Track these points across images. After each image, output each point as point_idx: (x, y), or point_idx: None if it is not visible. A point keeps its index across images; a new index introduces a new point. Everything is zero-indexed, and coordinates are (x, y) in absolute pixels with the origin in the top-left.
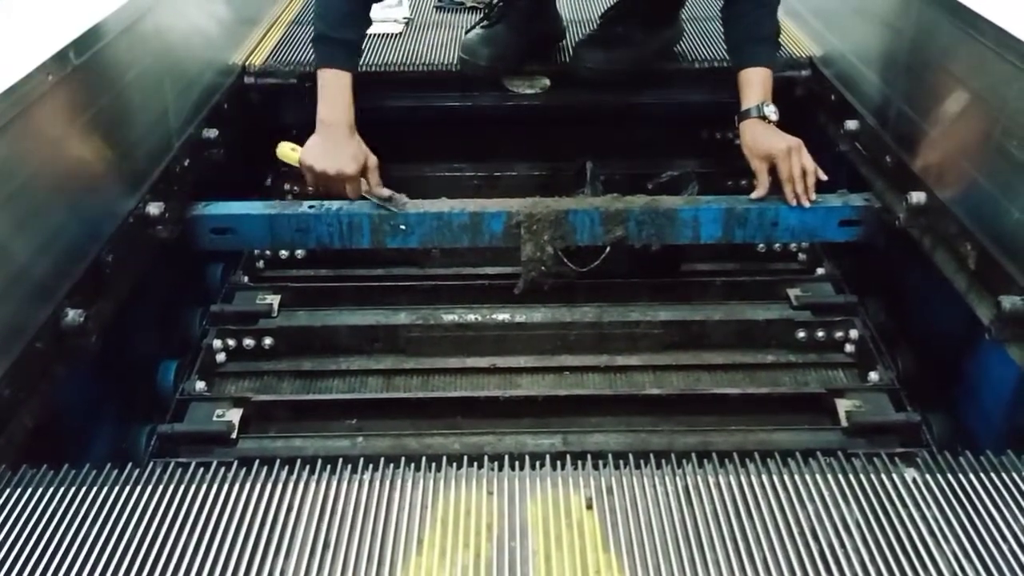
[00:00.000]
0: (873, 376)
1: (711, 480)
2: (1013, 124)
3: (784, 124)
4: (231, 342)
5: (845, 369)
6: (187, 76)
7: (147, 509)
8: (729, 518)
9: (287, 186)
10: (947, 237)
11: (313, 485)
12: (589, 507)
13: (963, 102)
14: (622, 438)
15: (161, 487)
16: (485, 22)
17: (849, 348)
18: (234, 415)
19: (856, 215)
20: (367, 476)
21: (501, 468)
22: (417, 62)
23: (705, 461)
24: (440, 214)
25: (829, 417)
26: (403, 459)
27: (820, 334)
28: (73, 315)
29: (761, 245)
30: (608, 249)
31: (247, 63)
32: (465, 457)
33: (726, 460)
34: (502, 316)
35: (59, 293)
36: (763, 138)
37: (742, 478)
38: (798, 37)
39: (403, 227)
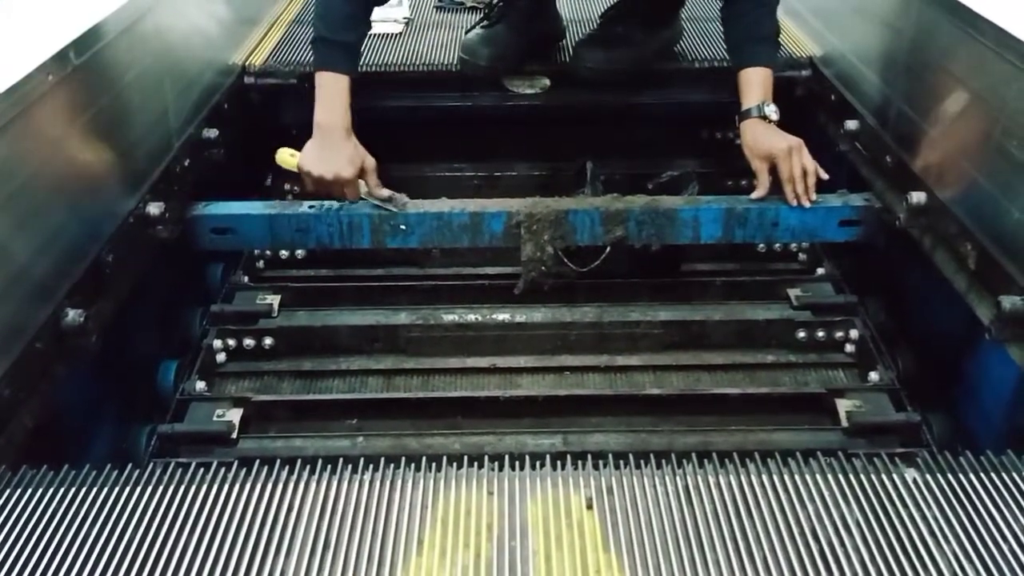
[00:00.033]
0: (873, 376)
1: (711, 480)
2: (1013, 124)
3: (784, 124)
4: (231, 342)
5: (845, 369)
6: (187, 76)
7: (147, 509)
8: (729, 518)
9: (287, 186)
10: (947, 237)
11: (313, 485)
12: (589, 507)
13: (963, 102)
14: (622, 438)
15: (161, 487)
16: (485, 22)
17: (849, 348)
18: (234, 415)
19: (856, 215)
20: (367, 476)
21: (501, 468)
22: (417, 62)
23: (705, 461)
24: (440, 214)
25: (829, 417)
26: (403, 459)
27: (820, 334)
28: (73, 315)
29: (761, 245)
30: (608, 249)
31: (247, 63)
32: (465, 457)
33: (726, 460)
34: (502, 316)
35: (59, 293)
36: (764, 138)
37: (742, 478)
38: (798, 37)
39: (403, 227)
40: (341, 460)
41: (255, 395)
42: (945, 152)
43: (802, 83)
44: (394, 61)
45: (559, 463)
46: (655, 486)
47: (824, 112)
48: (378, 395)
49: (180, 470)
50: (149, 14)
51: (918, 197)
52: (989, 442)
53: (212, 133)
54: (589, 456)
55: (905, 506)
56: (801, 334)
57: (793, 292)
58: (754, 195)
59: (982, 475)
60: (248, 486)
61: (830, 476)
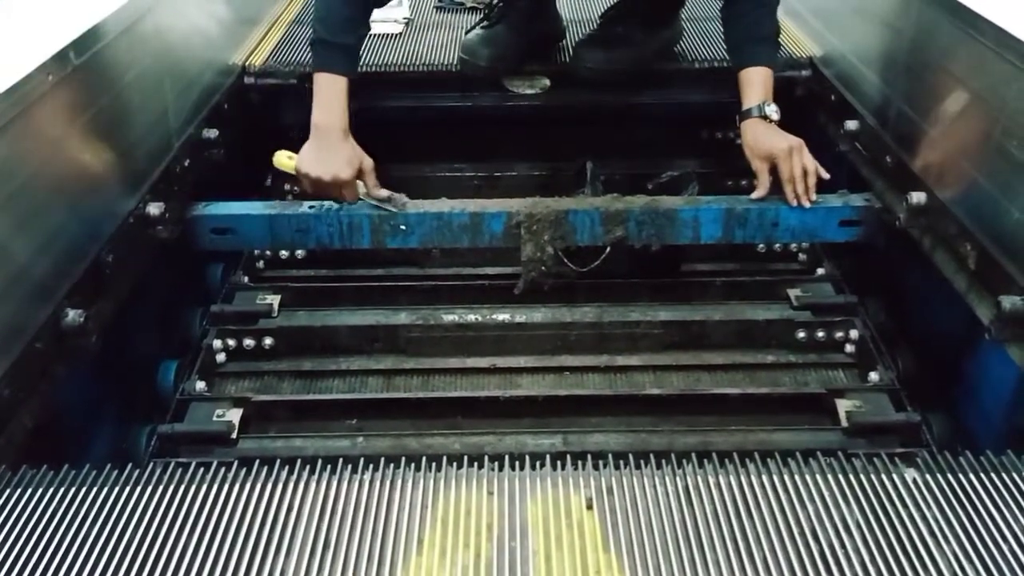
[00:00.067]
0: (873, 376)
1: (711, 480)
2: (1013, 124)
3: (784, 124)
4: (231, 342)
5: (845, 369)
6: (187, 76)
7: (147, 509)
8: (729, 518)
9: (287, 186)
10: (947, 237)
11: (313, 485)
12: (589, 507)
13: (963, 102)
14: (622, 438)
15: (161, 487)
16: (485, 22)
17: (849, 348)
18: (234, 415)
19: (856, 215)
20: (367, 476)
21: (501, 468)
22: (417, 62)
23: (705, 461)
24: (440, 214)
25: (829, 417)
26: (403, 459)
27: (820, 334)
28: (73, 315)
29: (761, 245)
30: (608, 249)
31: (247, 63)
32: (465, 457)
33: (726, 460)
34: (502, 316)
35: (59, 293)
36: (764, 138)
37: (742, 478)
38: (798, 37)
39: (403, 227)
40: (341, 460)
41: (255, 395)
42: (945, 152)
43: (802, 83)
44: (394, 61)
45: (559, 463)
46: (655, 486)
47: (824, 112)
48: (378, 395)
49: (180, 470)
50: (149, 14)
51: (918, 197)
52: (989, 442)
53: (212, 133)
54: (589, 456)
55: (905, 506)
56: (801, 334)
57: (793, 292)
58: (754, 195)
59: (982, 475)
60: (248, 486)
61: (830, 476)
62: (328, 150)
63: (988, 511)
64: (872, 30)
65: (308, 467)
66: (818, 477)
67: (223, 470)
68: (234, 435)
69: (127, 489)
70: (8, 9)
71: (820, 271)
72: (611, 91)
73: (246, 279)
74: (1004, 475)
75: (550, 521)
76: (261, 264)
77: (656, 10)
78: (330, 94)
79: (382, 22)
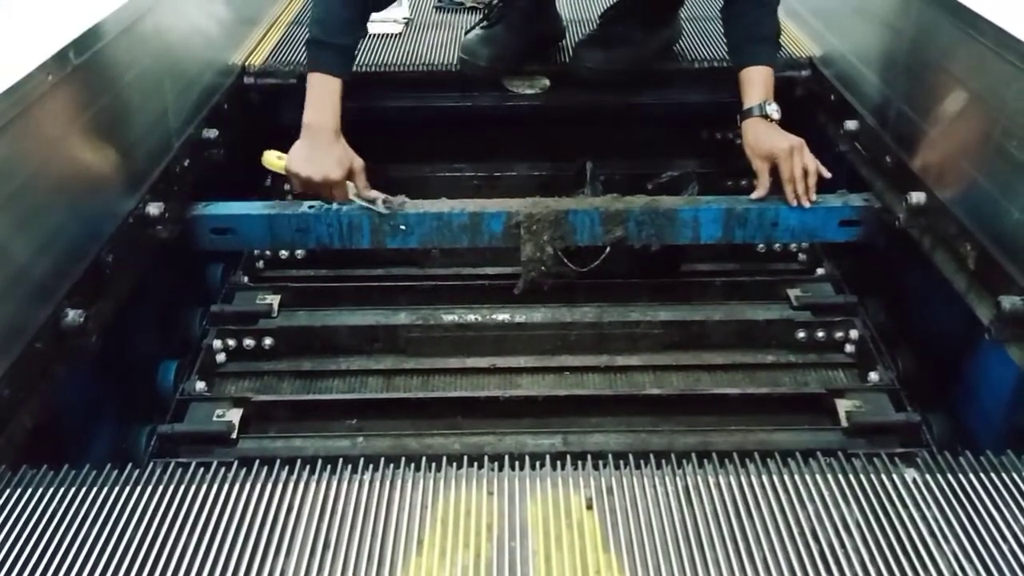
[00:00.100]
0: (873, 376)
1: (711, 480)
2: (1013, 124)
3: (784, 124)
4: (231, 342)
5: (845, 369)
6: (187, 76)
7: (147, 509)
8: (729, 518)
9: (287, 186)
10: (947, 237)
11: (313, 485)
12: (589, 507)
13: (963, 102)
14: (622, 438)
15: (161, 487)
16: (485, 22)
17: (849, 348)
18: (234, 415)
19: (856, 215)
20: (367, 476)
21: (501, 468)
22: (417, 62)
23: (705, 461)
24: (440, 214)
25: (829, 417)
26: (403, 459)
27: (820, 334)
28: (73, 315)
29: (761, 245)
30: (608, 249)
31: (247, 63)
32: (465, 457)
33: (726, 460)
34: (502, 316)
35: (59, 293)
36: (765, 137)
37: (742, 478)
38: (798, 37)
39: (403, 227)
40: (341, 460)
41: (255, 395)
42: (945, 152)
43: (802, 83)
44: (394, 61)
45: (559, 463)
46: (655, 486)
47: (824, 112)
48: (378, 395)
49: (180, 470)
50: (149, 14)
51: (918, 197)
52: (989, 442)
53: (212, 133)
54: (589, 456)
55: (905, 506)
56: (801, 334)
57: (793, 292)
58: (754, 195)
59: (982, 475)
60: (248, 486)
61: (830, 476)
62: (319, 150)
63: (988, 511)
64: (872, 30)
65: (308, 467)
66: (818, 477)
67: (223, 470)
68: (234, 435)
69: (127, 489)
70: (8, 9)
71: (820, 271)
72: (611, 91)
73: (246, 279)
74: (1004, 475)
75: (550, 521)
76: (261, 264)
77: (656, 10)
78: (323, 94)
79: (382, 22)
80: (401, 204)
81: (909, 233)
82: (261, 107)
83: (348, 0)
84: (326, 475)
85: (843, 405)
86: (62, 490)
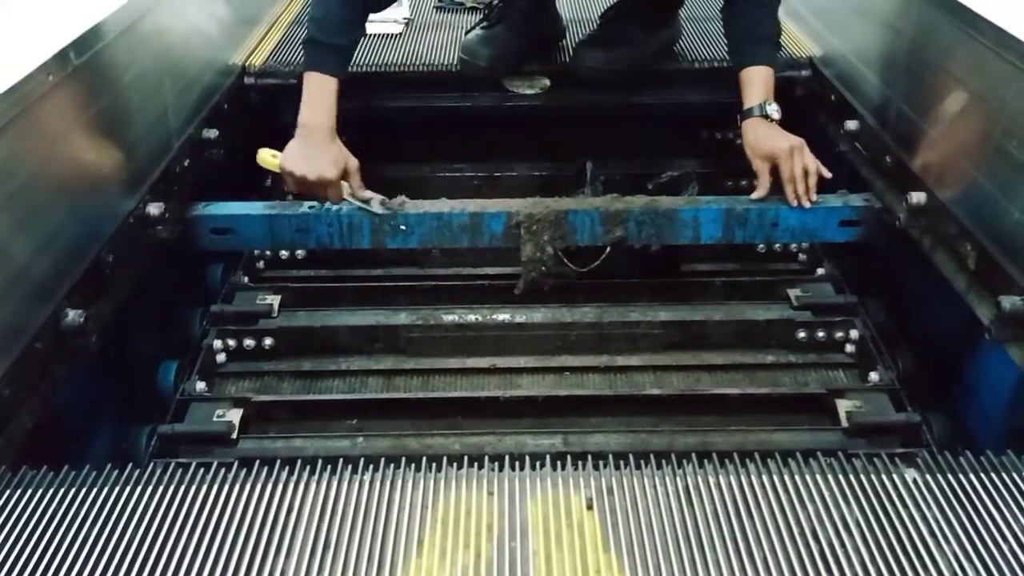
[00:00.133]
0: (873, 376)
1: (711, 480)
2: (1013, 124)
3: (784, 124)
4: (231, 342)
5: (845, 369)
6: (187, 76)
7: (147, 510)
8: (729, 518)
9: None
10: (947, 237)
11: (313, 485)
12: (589, 507)
13: (963, 102)
14: (622, 438)
15: (161, 488)
16: (485, 23)
17: (849, 348)
18: (234, 415)
19: (856, 215)
20: (367, 476)
21: (501, 468)
22: (417, 62)
23: (705, 461)
24: (440, 214)
25: (829, 417)
26: (403, 459)
27: (820, 334)
28: (73, 315)
29: (761, 245)
30: (608, 249)
31: (247, 63)
32: (465, 457)
33: (726, 460)
34: (502, 316)
35: (59, 293)
36: (766, 137)
37: (742, 478)
38: (798, 37)
39: (403, 227)
40: (341, 460)
41: (255, 395)
42: (945, 152)
43: (802, 83)
44: (394, 61)
45: (559, 463)
46: (655, 486)
47: (824, 112)
48: (378, 395)
49: (180, 470)
50: (149, 14)
51: (918, 197)
52: (989, 442)
53: (212, 133)
54: (589, 456)
55: (905, 506)
56: (801, 334)
57: (793, 292)
58: (755, 195)
59: (982, 475)
60: (248, 486)
61: (830, 476)
62: (315, 149)
63: (988, 511)
64: (872, 30)
65: (308, 467)
66: (818, 477)
67: (223, 470)
68: (234, 435)
69: (127, 489)
70: (8, 9)
71: (820, 271)
72: (611, 91)
73: (246, 279)
74: (1004, 475)
75: (550, 521)
76: (261, 264)
77: (656, 10)
78: (319, 94)
79: (382, 22)
80: (401, 204)
81: (909, 233)
82: (261, 107)
83: (347, 1)
84: (326, 475)
85: (843, 405)
86: (62, 491)
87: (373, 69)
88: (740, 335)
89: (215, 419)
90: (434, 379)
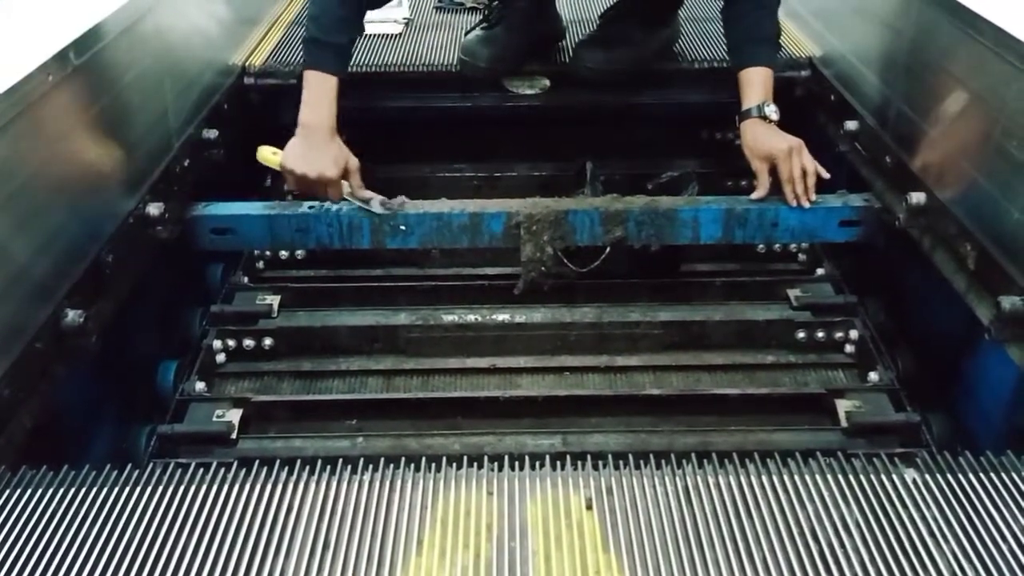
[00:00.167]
0: (873, 376)
1: (711, 480)
2: (1013, 124)
3: (784, 124)
4: (231, 342)
5: (845, 369)
6: (187, 76)
7: (147, 510)
8: (729, 518)
9: (287, 186)
10: (947, 237)
11: (313, 486)
12: (589, 507)
13: (963, 102)
14: (622, 438)
15: (161, 488)
16: (485, 23)
17: (849, 348)
18: (234, 415)
19: (856, 215)
20: (367, 476)
21: (501, 468)
22: (417, 62)
23: (705, 461)
24: (440, 214)
25: (829, 417)
26: (403, 459)
27: (820, 334)
28: (73, 315)
29: (761, 245)
30: (608, 249)
31: (247, 63)
32: (465, 457)
33: (726, 460)
34: (502, 316)
35: (59, 293)
36: (764, 138)
37: (742, 478)
38: (798, 37)
39: (403, 227)
40: (341, 460)
41: (255, 395)
42: (945, 152)
43: (802, 83)
44: (394, 61)
45: (559, 463)
46: (655, 486)
47: (824, 112)
48: (378, 395)
49: (180, 470)
50: (149, 14)
51: (918, 197)
52: (989, 442)
53: (212, 133)
54: (589, 456)
55: (905, 506)
56: (801, 334)
57: (793, 292)
58: (754, 195)
59: (982, 475)
60: (248, 486)
61: (830, 476)
62: (315, 148)
63: (988, 511)
64: (872, 30)
65: (308, 467)
66: (818, 477)
67: (223, 471)
68: (234, 435)
69: (127, 489)
70: (8, 9)
71: (820, 271)
72: (611, 91)
73: (246, 279)
74: (1004, 475)
75: (550, 521)
76: (261, 264)
77: (655, 10)
78: (319, 93)
79: (382, 22)
80: (401, 204)
81: (909, 233)
82: (261, 107)
83: None
84: (326, 475)
85: (843, 405)
86: (62, 491)
87: (373, 69)
88: (740, 335)
89: (215, 419)
90: (434, 379)
